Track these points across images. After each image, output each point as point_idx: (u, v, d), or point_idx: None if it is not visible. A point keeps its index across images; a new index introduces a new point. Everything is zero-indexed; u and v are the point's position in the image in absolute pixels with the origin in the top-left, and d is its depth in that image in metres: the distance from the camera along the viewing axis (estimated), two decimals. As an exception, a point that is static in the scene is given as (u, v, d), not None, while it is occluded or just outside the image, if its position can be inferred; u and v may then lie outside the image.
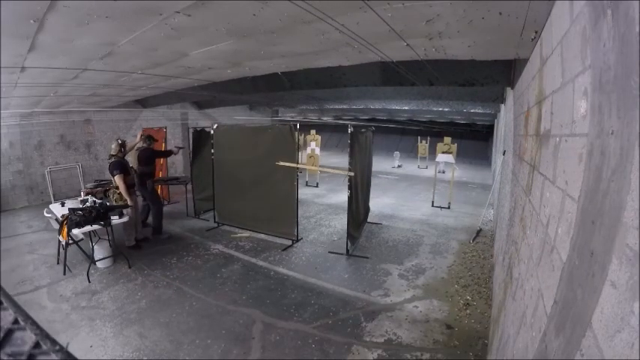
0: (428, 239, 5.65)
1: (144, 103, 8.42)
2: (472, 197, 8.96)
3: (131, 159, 5.49)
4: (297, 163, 5.08)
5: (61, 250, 4.26)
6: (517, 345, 1.42)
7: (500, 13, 1.82)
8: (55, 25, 2.09)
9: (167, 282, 4.07)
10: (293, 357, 2.83)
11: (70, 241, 4.12)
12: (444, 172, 10.97)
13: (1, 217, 6.52)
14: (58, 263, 4.42)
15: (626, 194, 0.58)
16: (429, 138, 14.53)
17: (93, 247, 4.26)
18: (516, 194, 2.40)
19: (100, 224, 4.10)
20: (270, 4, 1.87)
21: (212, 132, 5.87)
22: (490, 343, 2.71)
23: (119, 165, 4.71)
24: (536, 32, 1.86)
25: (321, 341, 3.01)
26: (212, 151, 5.93)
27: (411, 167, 14.45)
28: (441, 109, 10.16)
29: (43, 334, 0.30)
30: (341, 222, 6.21)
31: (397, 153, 14.95)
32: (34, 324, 0.31)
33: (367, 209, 6.40)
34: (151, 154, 5.50)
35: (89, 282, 3.99)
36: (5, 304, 0.31)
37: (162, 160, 7.64)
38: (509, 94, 3.99)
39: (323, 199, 8.46)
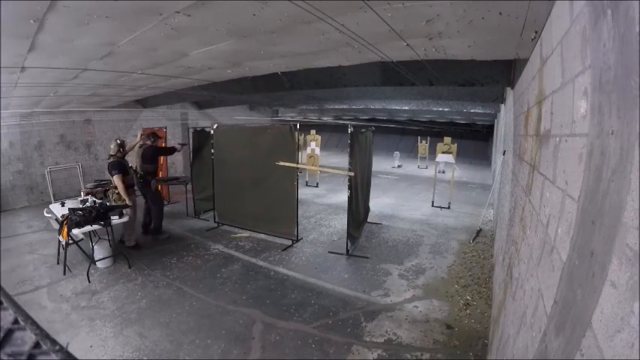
0: (428, 239, 5.65)
1: (144, 103, 8.42)
2: (472, 197, 8.96)
3: (131, 159, 5.49)
4: (297, 163, 5.08)
5: (61, 250, 4.26)
6: (517, 345, 1.41)
7: (500, 13, 1.82)
8: (55, 25, 2.09)
9: (167, 282, 4.07)
10: (293, 357, 2.83)
11: (70, 241, 4.12)
12: (444, 172, 10.97)
13: (1, 217, 6.52)
14: (58, 263, 4.42)
15: (626, 194, 0.57)
16: (429, 138, 14.53)
17: (93, 247, 4.26)
18: (516, 194, 2.39)
19: (100, 224, 4.10)
20: (270, 4, 1.87)
21: (212, 132, 5.87)
22: (490, 343, 2.71)
23: (118, 165, 4.71)
24: (536, 32, 1.86)
25: (321, 341, 3.01)
26: (212, 151, 5.93)
27: (411, 167, 14.45)
28: (441, 109, 10.15)
29: (43, 334, 0.30)
30: (341, 222, 6.20)
31: (397, 153, 14.95)
32: (34, 324, 0.31)
33: (367, 209, 6.40)
34: (155, 151, 5.50)
35: (89, 282, 3.99)
36: (5, 304, 0.31)
37: (162, 158, 7.64)
38: (509, 94, 3.99)
39: (323, 199, 8.46)
